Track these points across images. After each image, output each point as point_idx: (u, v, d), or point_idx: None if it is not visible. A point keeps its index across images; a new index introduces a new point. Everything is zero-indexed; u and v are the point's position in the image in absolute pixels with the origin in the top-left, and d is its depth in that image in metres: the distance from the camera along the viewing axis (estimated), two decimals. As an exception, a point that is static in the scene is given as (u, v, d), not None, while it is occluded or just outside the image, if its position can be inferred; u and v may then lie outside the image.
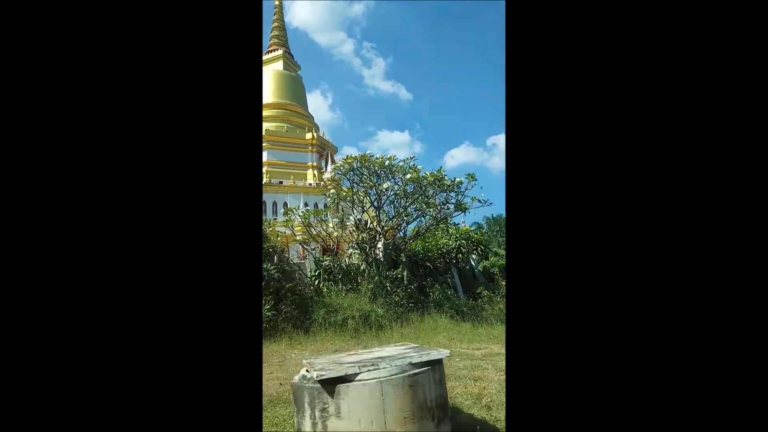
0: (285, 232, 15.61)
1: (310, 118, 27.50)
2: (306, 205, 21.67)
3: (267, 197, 20.59)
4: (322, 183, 23.06)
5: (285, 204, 21.31)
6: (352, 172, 9.73)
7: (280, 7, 31.69)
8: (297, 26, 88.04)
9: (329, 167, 23.48)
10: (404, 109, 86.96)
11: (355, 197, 9.93)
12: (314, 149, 24.89)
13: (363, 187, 9.66)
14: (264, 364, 4.88)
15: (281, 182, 22.00)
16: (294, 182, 22.30)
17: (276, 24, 31.15)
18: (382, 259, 9.47)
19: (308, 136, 25.02)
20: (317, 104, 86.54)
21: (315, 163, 24.46)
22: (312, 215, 11.75)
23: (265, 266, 7.94)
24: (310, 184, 22.59)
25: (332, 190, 21.29)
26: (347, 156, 9.80)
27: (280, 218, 20.78)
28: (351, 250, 10.87)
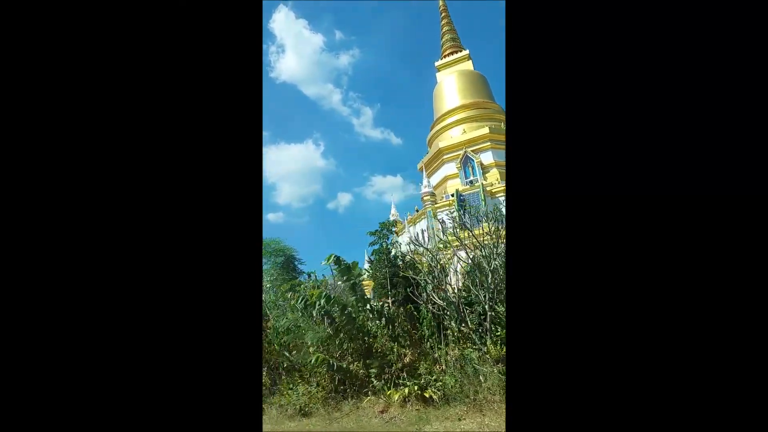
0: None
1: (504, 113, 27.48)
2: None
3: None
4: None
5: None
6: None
7: (446, 9, 32.14)
8: (285, 80, 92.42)
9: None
10: (396, 153, 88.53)
11: None
12: (529, 143, 24.79)
13: None
14: None
15: (525, 180, 22.23)
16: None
17: (447, 27, 31.68)
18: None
19: (523, 131, 24.96)
20: (309, 152, 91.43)
21: (533, 157, 24.36)
22: None
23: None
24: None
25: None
26: None
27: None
28: None
